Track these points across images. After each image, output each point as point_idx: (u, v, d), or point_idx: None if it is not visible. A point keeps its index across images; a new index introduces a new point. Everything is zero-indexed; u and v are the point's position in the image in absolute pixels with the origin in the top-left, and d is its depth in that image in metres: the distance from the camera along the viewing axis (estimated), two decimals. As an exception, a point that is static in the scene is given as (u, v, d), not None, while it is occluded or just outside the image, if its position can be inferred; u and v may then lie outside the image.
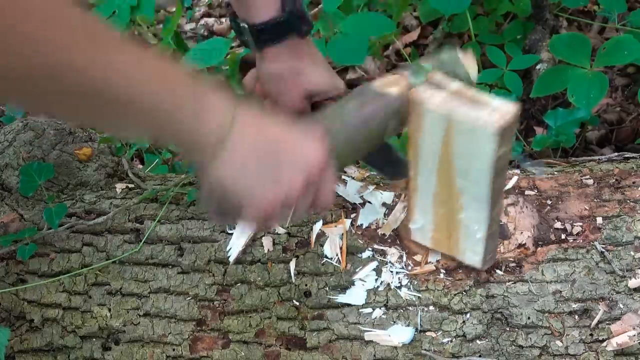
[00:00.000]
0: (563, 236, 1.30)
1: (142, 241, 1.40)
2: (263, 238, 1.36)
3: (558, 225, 1.31)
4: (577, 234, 1.30)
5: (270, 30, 1.26)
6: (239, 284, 1.34)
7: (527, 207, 1.33)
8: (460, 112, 1.03)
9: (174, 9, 2.70)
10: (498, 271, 1.27)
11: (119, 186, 1.54)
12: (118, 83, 0.82)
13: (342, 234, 1.34)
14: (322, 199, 1.07)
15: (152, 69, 0.88)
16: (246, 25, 1.27)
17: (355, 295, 1.29)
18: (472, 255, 1.23)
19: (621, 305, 1.22)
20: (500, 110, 1.01)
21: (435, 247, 1.28)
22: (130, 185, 1.55)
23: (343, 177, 1.46)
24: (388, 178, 1.37)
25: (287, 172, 1.00)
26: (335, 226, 1.36)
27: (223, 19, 3.28)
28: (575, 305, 1.23)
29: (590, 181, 1.38)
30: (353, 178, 1.45)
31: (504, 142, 1.02)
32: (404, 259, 1.31)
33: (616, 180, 1.37)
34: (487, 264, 1.24)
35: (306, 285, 1.31)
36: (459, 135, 1.05)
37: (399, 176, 1.33)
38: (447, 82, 1.07)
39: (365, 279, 1.29)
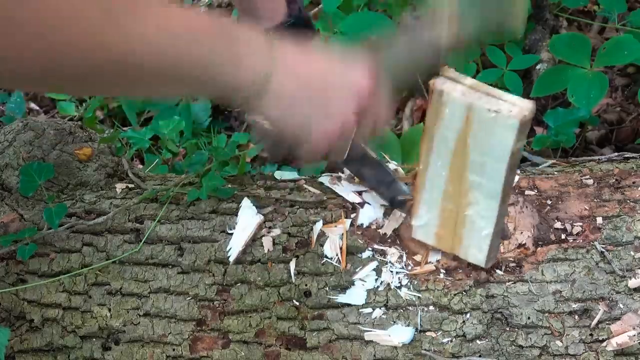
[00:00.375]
0: (563, 236, 1.30)
1: (142, 241, 1.40)
2: (263, 238, 1.36)
3: (558, 225, 1.31)
4: (577, 234, 1.30)
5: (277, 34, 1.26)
6: (239, 284, 1.34)
7: (527, 207, 1.33)
8: (482, 102, 1.05)
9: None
10: (498, 271, 1.27)
11: (119, 186, 1.54)
12: (154, 47, 0.82)
13: (342, 234, 1.34)
14: (379, 121, 1.08)
15: (183, 21, 0.87)
16: None
17: (355, 295, 1.29)
18: (476, 252, 1.22)
19: (621, 305, 1.22)
20: (518, 104, 1.04)
21: (438, 244, 1.28)
22: (130, 185, 1.55)
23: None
24: (387, 202, 1.37)
25: (337, 105, 1.00)
26: (336, 226, 1.36)
27: (223, 19, 3.28)
28: (575, 305, 1.23)
29: (590, 181, 1.38)
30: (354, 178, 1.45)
31: (522, 136, 1.05)
32: (404, 258, 1.31)
33: (616, 180, 1.37)
34: (490, 262, 1.24)
35: (306, 285, 1.31)
36: (478, 125, 1.07)
37: (397, 204, 1.33)
38: (462, 77, 1.08)
39: (365, 279, 1.29)
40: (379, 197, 1.38)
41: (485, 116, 1.05)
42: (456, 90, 1.07)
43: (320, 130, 1.00)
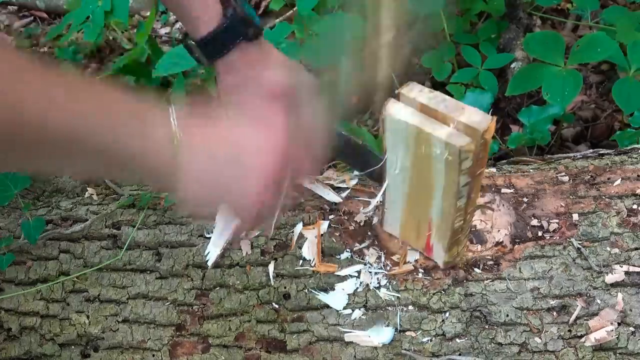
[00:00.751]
0: (540, 233, 1.31)
1: (124, 249, 1.39)
2: (241, 241, 1.36)
3: (535, 222, 1.32)
4: (554, 230, 1.30)
5: (215, 41, 1.24)
6: (217, 288, 1.34)
7: (503, 205, 1.33)
8: (425, 126, 1.02)
9: (148, 14, 2.69)
10: (476, 269, 1.27)
11: (95, 192, 1.53)
12: (56, 120, 0.78)
13: (316, 236, 1.34)
14: (303, 174, 1.05)
15: (89, 99, 0.83)
16: (193, 42, 1.27)
17: (335, 300, 1.29)
18: (437, 252, 1.24)
19: (598, 301, 1.23)
20: (459, 135, 1.00)
21: (403, 238, 1.29)
22: (107, 191, 1.54)
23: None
24: (359, 171, 1.37)
25: (252, 178, 0.97)
26: (314, 228, 1.36)
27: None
28: (553, 302, 1.24)
29: (566, 178, 1.39)
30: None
31: (463, 162, 1.02)
32: (382, 259, 1.31)
33: (591, 176, 1.38)
34: (447, 264, 1.26)
35: (285, 287, 1.31)
36: (425, 146, 1.05)
37: (372, 175, 1.32)
38: (419, 94, 1.06)
39: (344, 280, 1.29)
40: (356, 169, 1.38)
41: (426, 137, 1.03)
42: (402, 115, 1.05)
43: (237, 208, 0.98)
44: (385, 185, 1.22)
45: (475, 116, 1.00)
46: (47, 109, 0.78)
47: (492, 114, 1.01)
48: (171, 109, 0.92)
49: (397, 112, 1.06)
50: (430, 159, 1.05)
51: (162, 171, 0.92)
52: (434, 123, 1.03)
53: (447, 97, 1.03)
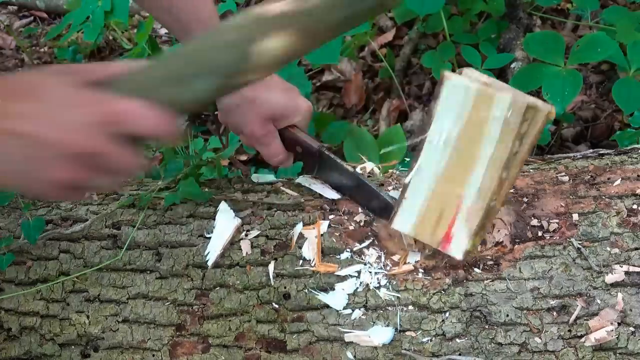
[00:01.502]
0: (540, 233, 1.31)
1: (124, 249, 1.39)
2: (241, 241, 1.36)
3: (535, 222, 1.32)
4: (554, 230, 1.30)
5: None
6: (217, 288, 1.34)
7: (503, 204, 1.33)
8: (484, 88, 1.05)
9: (148, 14, 2.69)
10: (476, 269, 1.27)
11: (94, 191, 1.54)
12: None
13: (316, 236, 1.34)
14: (115, 164, 0.93)
15: None
16: None
17: (335, 300, 1.29)
18: (457, 243, 1.21)
19: (598, 301, 1.23)
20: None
21: (416, 235, 1.24)
22: (107, 191, 1.54)
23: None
24: (371, 211, 1.37)
25: (46, 162, 0.88)
26: (314, 228, 1.36)
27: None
28: (553, 302, 1.23)
29: (566, 178, 1.39)
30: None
31: (523, 124, 1.04)
32: (383, 259, 1.31)
33: (591, 176, 1.38)
34: (467, 255, 1.23)
35: (285, 287, 1.31)
36: (483, 108, 1.06)
37: (382, 214, 1.33)
38: (478, 75, 1.10)
39: (344, 280, 1.29)
40: (368, 210, 1.38)
41: (482, 113, 1.05)
42: (464, 80, 1.07)
43: (36, 185, 0.90)
44: (417, 163, 1.16)
45: (537, 101, 1.04)
46: None
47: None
48: None
49: (457, 78, 1.07)
50: (484, 125, 1.06)
51: None
52: (496, 88, 1.05)
53: (504, 84, 1.07)
